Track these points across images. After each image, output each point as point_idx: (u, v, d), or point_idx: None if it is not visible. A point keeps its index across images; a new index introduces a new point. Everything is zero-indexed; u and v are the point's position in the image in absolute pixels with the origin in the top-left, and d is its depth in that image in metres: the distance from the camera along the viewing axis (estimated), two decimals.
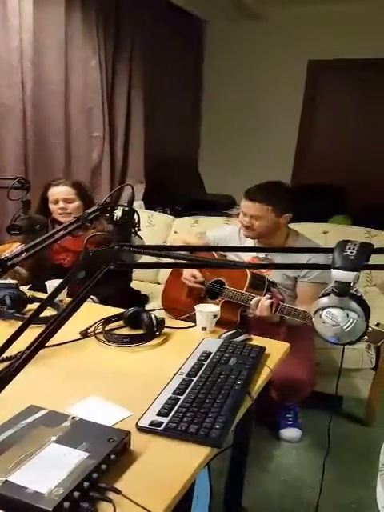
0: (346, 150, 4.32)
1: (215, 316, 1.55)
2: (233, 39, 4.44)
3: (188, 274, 2.05)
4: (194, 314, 1.57)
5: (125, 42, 3.44)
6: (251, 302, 1.81)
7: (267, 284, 1.90)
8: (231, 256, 2.00)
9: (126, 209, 1.25)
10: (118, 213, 1.29)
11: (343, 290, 0.66)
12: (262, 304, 1.77)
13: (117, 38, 3.37)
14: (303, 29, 4.12)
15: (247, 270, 1.90)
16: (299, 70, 4.29)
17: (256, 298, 1.80)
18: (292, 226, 2.05)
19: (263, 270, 1.97)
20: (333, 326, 0.68)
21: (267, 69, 4.35)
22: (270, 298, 1.77)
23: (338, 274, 0.66)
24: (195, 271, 2.04)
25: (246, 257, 2.00)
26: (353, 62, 4.02)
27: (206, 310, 1.54)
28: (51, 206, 2.10)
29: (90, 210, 1.14)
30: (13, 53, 2.58)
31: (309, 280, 1.93)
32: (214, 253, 1.97)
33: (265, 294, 1.84)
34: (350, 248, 0.66)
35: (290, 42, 4.20)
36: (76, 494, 0.77)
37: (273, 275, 1.97)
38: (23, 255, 0.99)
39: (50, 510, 0.73)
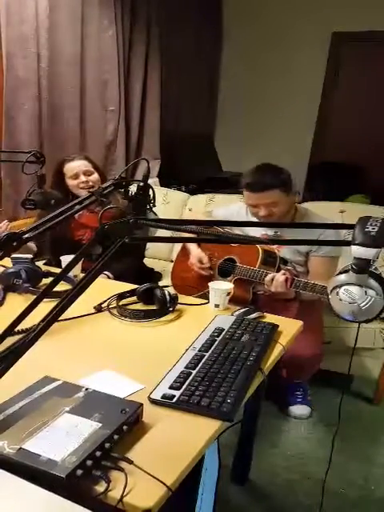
0: (367, 127, 4.19)
1: (229, 293, 1.54)
2: (252, 10, 4.30)
3: (195, 258, 2.02)
4: (207, 292, 1.57)
5: (142, 12, 3.35)
6: (266, 279, 1.80)
7: (279, 260, 1.89)
8: (239, 233, 1.98)
9: (141, 184, 1.23)
10: (132, 188, 1.27)
11: (362, 267, 0.65)
12: (276, 280, 1.76)
13: (133, 9, 3.28)
14: None
15: (259, 247, 1.89)
16: (322, 43, 4.14)
17: (271, 275, 1.79)
18: (309, 204, 2.02)
19: (274, 247, 1.95)
20: (350, 303, 0.66)
21: (288, 42, 4.21)
22: (285, 274, 1.76)
23: (357, 251, 0.65)
24: (202, 256, 2.01)
25: (256, 234, 1.97)
26: (379, 34, 3.86)
27: (220, 288, 1.54)
28: (70, 182, 2.10)
29: (104, 185, 1.13)
30: (28, 23, 2.53)
31: (321, 254, 1.91)
32: (220, 230, 1.95)
33: (277, 271, 1.83)
34: (371, 224, 0.64)
35: (312, 13, 4.04)
36: (89, 462, 0.78)
37: (283, 251, 1.95)
38: (38, 230, 0.99)
39: (64, 476, 0.74)
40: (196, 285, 1.97)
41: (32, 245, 2.11)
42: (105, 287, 1.62)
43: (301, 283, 1.74)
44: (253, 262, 1.88)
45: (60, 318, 0.82)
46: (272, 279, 1.77)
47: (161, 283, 2.35)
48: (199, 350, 1.21)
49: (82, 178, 2.08)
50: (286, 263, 1.94)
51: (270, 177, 1.83)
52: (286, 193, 1.84)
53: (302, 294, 1.77)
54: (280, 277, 1.75)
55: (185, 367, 1.13)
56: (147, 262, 2.48)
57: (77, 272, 1.74)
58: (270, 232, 1.96)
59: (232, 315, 1.47)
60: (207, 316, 1.45)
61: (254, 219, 1.99)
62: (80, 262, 1.65)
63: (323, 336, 2.05)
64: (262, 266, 1.86)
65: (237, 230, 1.99)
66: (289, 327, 1.42)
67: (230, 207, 2.20)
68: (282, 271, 1.79)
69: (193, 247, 2.07)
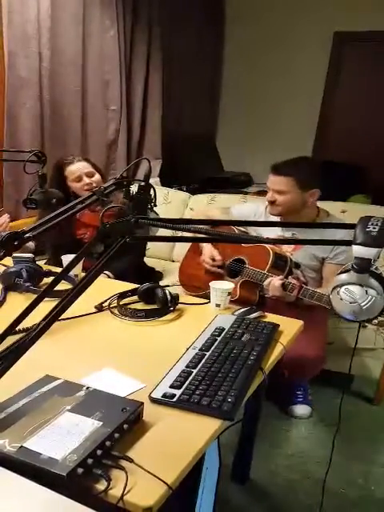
0: (368, 127, 4.19)
1: (229, 293, 1.54)
2: (254, 10, 4.29)
3: (207, 255, 2.01)
4: (208, 291, 1.57)
5: (143, 12, 3.35)
6: (264, 283, 1.80)
7: (290, 264, 1.86)
8: (253, 234, 1.97)
9: (143, 184, 1.24)
10: (134, 188, 1.28)
11: (363, 267, 0.65)
12: (272, 285, 1.75)
13: (135, 8, 3.28)
14: None
15: (270, 249, 1.87)
16: (323, 43, 4.13)
17: (268, 279, 1.79)
18: None
19: (287, 250, 1.94)
20: (350, 303, 0.67)
21: (290, 42, 4.21)
22: (286, 277, 1.75)
23: (358, 250, 0.65)
24: (215, 253, 2.00)
25: (272, 236, 1.95)
26: (381, 34, 3.84)
27: (220, 287, 1.54)
28: (74, 185, 2.10)
29: (105, 185, 1.13)
30: (30, 23, 2.53)
31: (336, 262, 1.89)
32: (235, 229, 1.94)
33: (286, 276, 1.82)
34: (372, 224, 0.64)
35: (314, 13, 4.04)
36: (89, 460, 0.79)
37: (298, 255, 1.93)
38: (39, 229, 0.99)
39: (64, 475, 0.75)
40: (202, 283, 1.96)
41: (31, 243, 2.11)
42: (106, 286, 1.62)
43: (308, 292, 1.73)
44: (263, 265, 1.86)
45: (61, 318, 0.82)
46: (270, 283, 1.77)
47: (162, 283, 2.35)
48: (200, 350, 1.22)
49: (86, 179, 2.08)
50: (298, 267, 1.92)
51: (289, 165, 1.85)
52: (301, 186, 1.83)
53: (304, 299, 1.76)
54: (276, 281, 1.75)
55: (185, 366, 1.13)
56: (148, 261, 2.48)
57: (77, 271, 1.74)
58: (287, 233, 1.93)
59: (233, 315, 1.47)
60: (208, 315, 1.45)
61: (272, 219, 1.97)
62: (81, 262, 1.65)
63: (327, 338, 2.05)
64: (272, 269, 1.84)
65: (251, 230, 1.98)
66: (290, 327, 1.42)
67: (248, 206, 2.19)
68: (280, 276, 1.78)
69: (205, 244, 2.06)
